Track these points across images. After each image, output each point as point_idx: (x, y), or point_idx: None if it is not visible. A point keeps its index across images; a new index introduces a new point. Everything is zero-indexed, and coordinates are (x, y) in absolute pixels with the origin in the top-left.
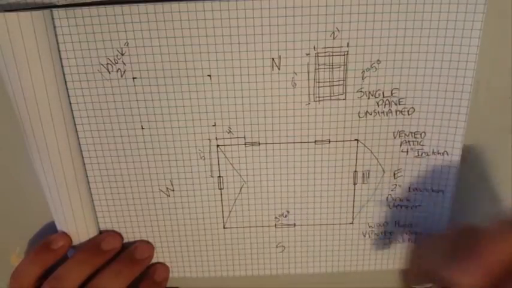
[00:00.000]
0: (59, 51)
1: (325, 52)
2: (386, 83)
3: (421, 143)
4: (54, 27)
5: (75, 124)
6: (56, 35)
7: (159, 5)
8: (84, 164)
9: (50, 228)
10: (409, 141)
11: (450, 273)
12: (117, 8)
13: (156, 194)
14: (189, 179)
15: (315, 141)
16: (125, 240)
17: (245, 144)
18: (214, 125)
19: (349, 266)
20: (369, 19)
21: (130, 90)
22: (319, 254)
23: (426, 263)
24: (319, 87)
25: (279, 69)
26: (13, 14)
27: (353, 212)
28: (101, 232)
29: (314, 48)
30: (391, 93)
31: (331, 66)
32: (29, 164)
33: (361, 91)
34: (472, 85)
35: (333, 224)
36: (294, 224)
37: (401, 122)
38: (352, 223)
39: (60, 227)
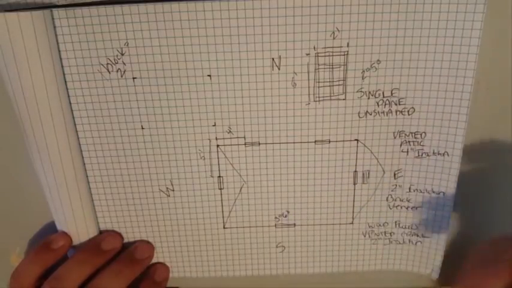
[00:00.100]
0: (59, 51)
1: (325, 52)
2: (386, 83)
3: (421, 143)
4: (54, 27)
5: (75, 124)
6: (56, 35)
7: (159, 5)
8: (84, 164)
9: (50, 228)
10: (409, 142)
11: (479, 277)
12: (117, 8)
13: (156, 194)
14: (189, 179)
15: (315, 141)
16: (125, 240)
17: (245, 144)
18: (214, 125)
19: (349, 266)
20: (368, 19)
21: (130, 90)
22: (319, 254)
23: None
24: (319, 87)
25: (279, 69)
26: (13, 14)
27: (353, 212)
28: (101, 232)
29: (314, 48)
30: (391, 93)
31: (331, 66)
32: (29, 164)
33: (361, 91)
34: (472, 85)
35: (333, 224)
36: (294, 224)
37: (402, 122)
38: (352, 223)
39: (60, 226)
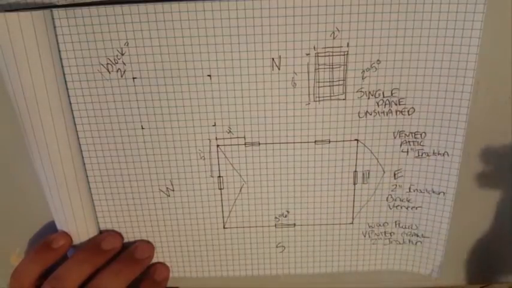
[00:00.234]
0: (59, 51)
1: (325, 52)
2: (386, 83)
3: (421, 144)
4: (54, 27)
5: (75, 124)
6: (56, 35)
7: (159, 5)
8: (84, 164)
9: (50, 228)
10: (409, 142)
11: None
12: (117, 8)
13: (156, 194)
14: (189, 179)
15: (315, 141)
16: (125, 240)
17: (245, 144)
18: (214, 125)
19: (349, 266)
20: (368, 19)
21: (130, 90)
22: (319, 254)
23: None
24: (319, 87)
25: (279, 69)
26: (13, 14)
27: (353, 212)
28: (101, 232)
29: (314, 48)
30: (391, 93)
31: (331, 66)
32: (29, 164)
33: (361, 91)
34: (472, 85)
35: (333, 224)
36: (294, 224)
37: (402, 122)
38: (352, 223)
39: (60, 226)
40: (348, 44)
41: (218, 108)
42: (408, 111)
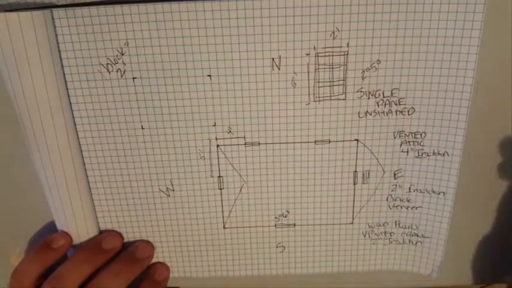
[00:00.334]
0: (59, 51)
1: (325, 52)
2: (386, 83)
3: (421, 143)
4: (54, 27)
5: (75, 124)
6: (56, 35)
7: (159, 5)
8: (84, 164)
9: (50, 228)
10: (409, 142)
11: None
12: (117, 8)
13: (156, 194)
14: (189, 179)
15: (315, 141)
16: (125, 240)
17: (245, 144)
18: (214, 125)
19: (349, 266)
20: (368, 19)
21: (130, 90)
22: (319, 254)
23: None
24: (319, 87)
25: (279, 69)
26: (13, 14)
27: (353, 212)
28: (101, 232)
29: (314, 48)
30: (391, 93)
31: (331, 66)
32: (29, 164)
33: (361, 91)
34: (472, 85)
35: (333, 224)
36: (294, 224)
37: (402, 122)
38: (352, 223)
39: (60, 226)
40: (348, 44)
41: (218, 108)
42: (408, 111)
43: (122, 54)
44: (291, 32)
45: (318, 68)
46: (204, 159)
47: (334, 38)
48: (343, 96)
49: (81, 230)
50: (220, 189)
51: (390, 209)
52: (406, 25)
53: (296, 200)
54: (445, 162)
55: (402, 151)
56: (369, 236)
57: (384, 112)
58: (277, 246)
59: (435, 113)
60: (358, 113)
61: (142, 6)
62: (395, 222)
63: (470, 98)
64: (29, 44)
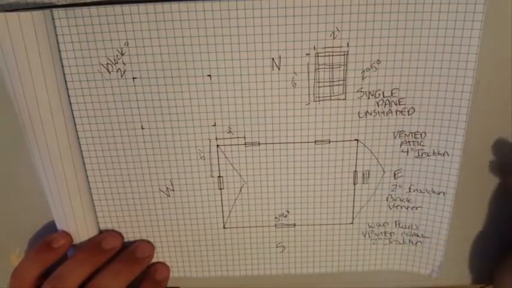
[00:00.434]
0: (59, 51)
1: (325, 52)
2: (386, 83)
3: (421, 143)
4: (55, 27)
5: (75, 124)
6: (56, 35)
7: (159, 5)
8: (84, 164)
9: (50, 228)
10: (409, 142)
11: None
12: (117, 8)
13: (156, 194)
14: (189, 179)
15: (315, 141)
16: (125, 240)
17: (245, 144)
18: (214, 125)
19: (349, 266)
20: (368, 19)
21: (130, 90)
22: (319, 254)
23: None
24: (319, 87)
25: (279, 69)
26: (14, 14)
27: (353, 212)
28: (101, 232)
29: (314, 48)
30: (391, 93)
31: (331, 66)
32: (29, 164)
33: (361, 91)
34: (472, 85)
35: (333, 224)
36: (294, 224)
37: (402, 122)
38: (352, 223)
39: (60, 226)
40: (348, 44)
41: (218, 108)
42: (408, 111)
43: (122, 54)
44: (291, 32)
45: (318, 68)
46: (204, 159)
47: (334, 38)
48: (343, 96)
49: (81, 230)
50: (220, 189)
51: (390, 209)
52: (406, 25)
53: (296, 200)
54: (445, 162)
55: (402, 151)
56: (369, 236)
57: (384, 112)
58: (277, 246)
59: (435, 113)
60: (358, 113)
61: (142, 6)
62: (395, 222)
63: (470, 98)
64: (29, 44)
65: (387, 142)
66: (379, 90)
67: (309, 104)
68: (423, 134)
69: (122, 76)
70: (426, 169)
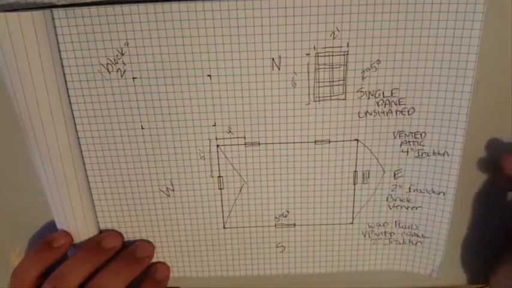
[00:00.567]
0: (59, 51)
1: (325, 52)
2: (386, 83)
3: (421, 143)
4: (54, 27)
5: (75, 124)
6: (56, 35)
7: (159, 5)
8: (84, 164)
9: (50, 228)
10: (409, 142)
11: None
12: (117, 8)
13: (156, 194)
14: (189, 179)
15: (315, 141)
16: (125, 240)
17: (245, 144)
18: (214, 125)
19: (349, 266)
20: (368, 19)
21: (130, 90)
22: (319, 254)
23: None
24: (319, 87)
25: (279, 69)
26: (14, 14)
27: (353, 212)
28: (101, 232)
29: (314, 48)
30: (391, 93)
31: (331, 66)
32: (29, 163)
33: (361, 91)
34: (472, 85)
35: (333, 224)
36: (294, 224)
37: (402, 122)
38: (352, 223)
39: (60, 226)
40: (348, 44)
41: (218, 108)
42: (408, 111)
43: (122, 54)
44: (291, 32)
45: (318, 68)
46: (204, 159)
47: (334, 38)
48: (343, 96)
49: (81, 230)
50: (220, 189)
51: (390, 209)
52: (406, 25)
53: (296, 200)
54: (445, 162)
55: (402, 151)
56: (369, 236)
57: (384, 112)
58: (277, 246)
59: (435, 113)
60: (358, 113)
61: (142, 6)
62: (395, 222)
63: (470, 98)
64: (29, 44)
65: (387, 142)
66: (379, 90)
67: (309, 104)
68: (423, 134)
69: (122, 76)
70: (426, 169)
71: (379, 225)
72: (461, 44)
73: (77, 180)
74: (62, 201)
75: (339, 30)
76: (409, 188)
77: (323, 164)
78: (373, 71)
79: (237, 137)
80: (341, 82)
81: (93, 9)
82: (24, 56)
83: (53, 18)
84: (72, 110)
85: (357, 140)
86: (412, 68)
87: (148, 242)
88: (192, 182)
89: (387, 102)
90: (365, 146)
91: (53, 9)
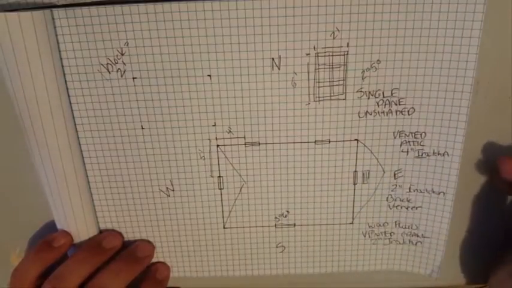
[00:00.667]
0: (59, 51)
1: (325, 52)
2: (386, 83)
3: (421, 143)
4: (55, 27)
5: (75, 124)
6: (56, 35)
7: (159, 5)
8: (84, 164)
9: (50, 228)
10: (409, 142)
11: None
12: (117, 8)
13: (156, 194)
14: (189, 179)
15: (315, 141)
16: (125, 240)
17: (245, 144)
18: (214, 125)
19: (349, 266)
20: (368, 19)
21: (130, 90)
22: (319, 254)
23: None
24: (319, 87)
25: (279, 69)
26: (14, 14)
27: (353, 212)
28: (101, 232)
29: (314, 48)
30: (391, 93)
31: (331, 66)
32: (29, 163)
33: (361, 91)
34: (472, 85)
35: (333, 224)
36: (294, 224)
37: (402, 122)
38: (352, 223)
39: (60, 226)
40: (348, 44)
41: (218, 108)
42: (408, 111)
43: (122, 54)
44: (291, 32)
45: (318, 68)
46: (204, 159)
47: (334, 38)
48: (343, 96)
49: (81, 230)
50: (220, 189)
51: (390, 209)
52: (406, 25)
53: (296, 200)
54: (445, 162)
55: (402, 151)
56: (369, 236)
57: (384, 112)
58: (277, 246)
59: (435, 113)
60: (358, 113)
61: (142, 6)
62: (395, 222)
63: (470, 98)
64: (29, 44)
65: (387, 142)
66: (379, 90)
67: (309, 104)
68: (423, 134)
69: (122, 76)
70: (426, 169)
71: (379, 225)
72: (461, 44)
73: (77, 180)
74: (62, 201)
75: (339, 30)
76: (409, 188)
77: (323, 164)
78: (373, 71)
79: (237, 137)
80: (341, 82)
81: (93, 9)
82: (24, 56)
83: (53, 18)
84: (72, 110)
85: (357, 140)
86: (412, 68)
87: (149, 242)
88: (192, 182)
89: (387, 102)
90: (365, 146)
91: (53, 9)
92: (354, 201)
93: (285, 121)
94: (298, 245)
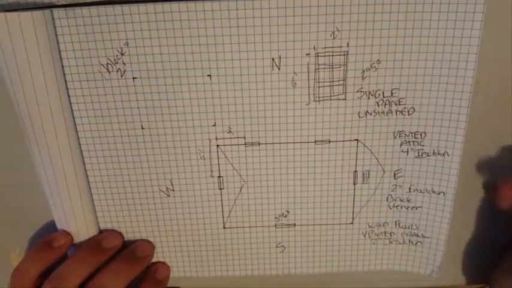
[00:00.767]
0: (59, 51)
1: (325, 52)
2: (386, 83)
3: (421, 143)
4: (55, 27)
5: (75, 124)
6: (56, 35)
7: (159, 5)
8: (84, 164)
9: (50, 228)
10: (409, 142)
11: None
12: (117, 8)
13: (156, 194)
14: (189, 179)
15: (315, 141)
16: (125, 240)
17: (245, 144)
18: (214, 125)
19: (349, 266)
20: (368, 19)
21: (130, 90)
22: (319, 254)
23: None
24: (319, 87)
25: (279, 69)
26: (14, 14)
27: (353, 212)
28: (101, 232)
29: (314, 48)
30: (391, 93)
31: (331, 66)
32: (29, 163)
33: (361, 91)
34: (472, 85)
35: (333, 224)
36: (294, 224)
37: (402, 122)
38: (352, 223)
39: (60, 226)
40: (348, 44)
41: (218, 108)
42: (408, 111)
43: (122, 54)
44: (291, 32)
45: (318, 68)
46: (204, 159)
47: (334, 38)
48: (343, 96)
49: (81, 230)
50: (220, 189)
51: (390, 209)
52: (406, 25)
53: (296, 200)
54: (445, 162)
55: (402, 151)
56: (369, 236)
57: (384, 112)
58: (277, 246)
59: (435, 113)
60: (358, 113)
61: (142, 6)
62: (395, 222)
63: (470, 98)
64: (29, 44)
65: (387, 142)
66: (379, 90)
67: (309, 104)
68: (423, 134)
69: (122, 76)
70: (426, 169)
71: (379, 225)
72: (461, 44)
73: (77, 180)
74: (62, 201)
75: (339, 30)
76: (409, 188)
77: (323, 164)
78: (373, 71)
79: (237, 137)
80: (341, 82)
81: (93, 9)
82: (24, 56)
83: (53, 18)
84: (72, 110)
85: (357, 140)
86: (412, 68)
87: (149, 241)
88: (192, 182)
89: (387, 102)
90: (365, 146)
91: (53, 9)
92: (353, 201)
93: (285, 121)
94: (298, 245)
